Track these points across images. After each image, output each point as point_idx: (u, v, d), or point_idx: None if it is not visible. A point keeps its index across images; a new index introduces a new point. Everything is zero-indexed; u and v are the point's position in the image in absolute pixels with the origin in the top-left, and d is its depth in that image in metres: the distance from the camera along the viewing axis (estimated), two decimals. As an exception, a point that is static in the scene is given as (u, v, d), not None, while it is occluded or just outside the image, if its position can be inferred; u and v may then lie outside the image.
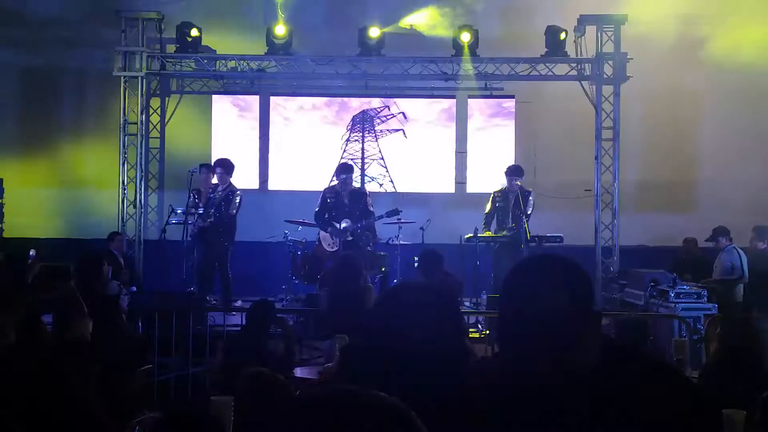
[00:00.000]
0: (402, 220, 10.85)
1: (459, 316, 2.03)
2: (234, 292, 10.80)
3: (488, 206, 10.92)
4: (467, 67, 12.38)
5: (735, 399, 3.86)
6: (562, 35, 12.14)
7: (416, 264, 8.55)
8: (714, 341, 5.62)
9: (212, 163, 11.00)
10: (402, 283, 1.92)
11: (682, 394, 1.94)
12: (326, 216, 10.38)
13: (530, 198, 10.82)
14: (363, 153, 13.14)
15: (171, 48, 12.43)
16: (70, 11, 13.35)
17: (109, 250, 10.44)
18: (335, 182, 10.70)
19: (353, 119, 13.27)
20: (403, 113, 13.17)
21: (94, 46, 13.07)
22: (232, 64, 12.54)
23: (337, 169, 10.84)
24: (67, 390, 3.22)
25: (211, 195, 10.63)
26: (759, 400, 3.89)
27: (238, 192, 10.81)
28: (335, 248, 10.24)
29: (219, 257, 10.63)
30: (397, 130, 13.18)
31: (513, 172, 10.86)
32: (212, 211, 10.51)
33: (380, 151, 13.19)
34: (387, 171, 13.12)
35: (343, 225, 10.30)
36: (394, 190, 13.02)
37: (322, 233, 10.49)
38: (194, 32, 12.24)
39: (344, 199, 10.38)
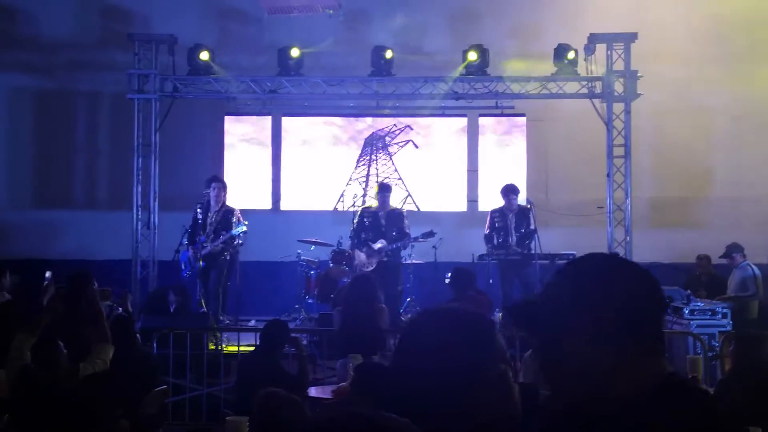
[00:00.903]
0: (419, 240, 10.86)
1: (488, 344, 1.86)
2: (246, 311, 10.81)
3: (487, 227, 10.91)
4: (478, 85, 12.44)
5: (750, 416, 3.86)
6: (571, 54, 12.16)
7: (448, 281, 8.60)
8: (729, 358, 5.62)
9: (211, 179, 10.84)
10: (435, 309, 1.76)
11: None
12: (362, 236, 10.40)
13: (531, 212, 10.79)
14: (368, 175, 13.15)
15: (183, 70, 12.53)
16: (83, 35, 13.50)
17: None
18: (374, 202, 10.70)
19: (365, 142, 13.31)
20: (409, 126, 13.20)
21: (107, 69, 13.20)
22: (243, 85, 12.62)
23: (379, 188, 10.87)
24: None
25: (209, 215, 10.55)
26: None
27: (236, 210, 10.75)
28: (371, 268, 10.25)
29: (223, 269, 10.56)
30: (407, 142, 13.21)
31: (509, 190, 10.86)
32: (219, 233, 10.45)
33: (397, 171, 13.20)
34: (408, 192, 13.13)
35: (378, 246, 10.30)
36: (416, 209, 13.05)
37: (357, 252, 10.50)
38: (206, 54, 12.33)
39: (381, 219, 10.40)
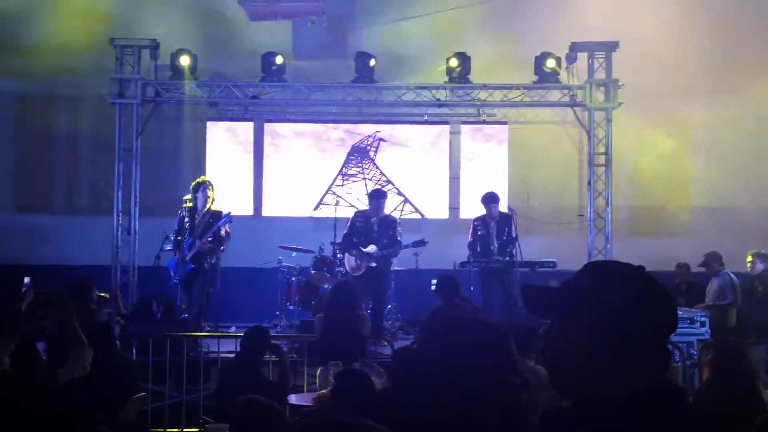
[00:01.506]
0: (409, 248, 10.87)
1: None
2: (227, 318, 10.76)
3: (470, 235, 10.92)
4: (460, 93, 12.49)
5: (729, 424, 3.88)
6: (552, 62, 12.23)
7: (434, 288, 8.65)
8: (707, 367, 5.65)
9: (200, 183, 10.67)
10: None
11: None
12: (354, 240, 10.40)
13: (513, 219, 10.80)
14: (337, 179, 13.17)
15: (166, 75, 12.49)
16: (65, 39, 13.41)
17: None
18: (366, 207, 10.70)
19: (347, 156, 13.32)
20: (377, 131, 13.28)
21: (88, 74, 13.12)
22: (226, 91, 12.60)
23: (369, 194, 10.87)
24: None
25: (196, 218, 10.42)
26: (754, 424, 3.91)
27: (222, 212, 10.61)
28: (359, 273, 10.23)
29: (208, 277, 10.44)
30: (377, 141, 13.25)
31: (489, 199, 10.84)
32: (206, 234, 10.34)
33: (386, 178, 13.21)
34: (405, 198, 13.16)
35: (367, 249, 10.30)
36: (421, 216, 13.08)
37: (347, 256, 10.49)
38: (189, 59, 12.30)
39: (374, 225, 10.41)
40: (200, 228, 10.26)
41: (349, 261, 10.42)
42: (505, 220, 10.79)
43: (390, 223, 10.50)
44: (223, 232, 10.27)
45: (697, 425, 1.73)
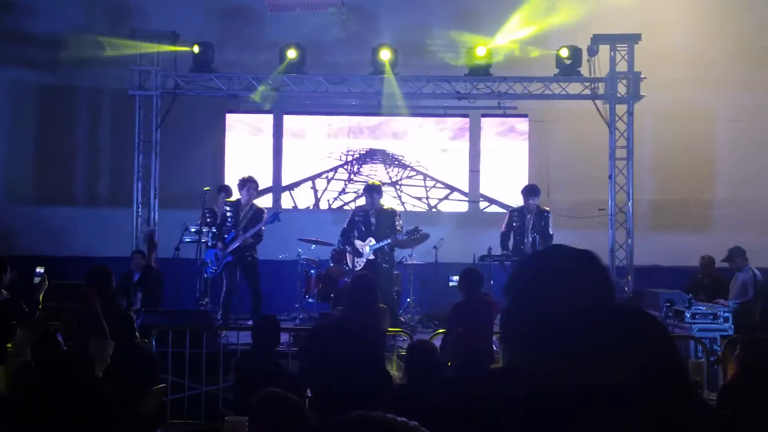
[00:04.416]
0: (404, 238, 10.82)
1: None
2: (245, 309, 10.78)
3: (504, 225, 10.85)
4: (480, 86, 12.42)
5: (756, 422, 3.82)
6: (574, 55, 12.11)
7: (456, 282, 8.57)
8: (731, 362, 5.58)
9: (246, 179, 10.81)
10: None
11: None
12: (353, 235, 10.39)
13: (549, 217, 10.75)
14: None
15: (185, 67, 12.48)
16: (85, 30, 13.44)
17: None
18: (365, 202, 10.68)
19: (364, 156, 13.28)
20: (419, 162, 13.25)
21: (109, 65, 13.15)
22: (245, 83, 12.58)
23: (364, 189, 10.84)
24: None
25: (240, 213, 10.57)
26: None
27: (265, 211, 10.79)
28: (359, 267, 10.22)
29: (254, 272, 10.59)
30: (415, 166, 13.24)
31: (529, 191, 10.77)
32: (250, 228, 10.47)
33: (417, 171, 13.19)
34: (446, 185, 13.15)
35: (358, 243, 10.31)
36: (427, 208, 13.03)
37: (347, 254, 10.50)
38: (208, 51, 12.30)
39: (371, 218, 10.38)
40: (243, 222, 10.43)
41: (349, 258, 10.47)
42: (542, 215, 10.69)
43: (389, 214, 10.46)
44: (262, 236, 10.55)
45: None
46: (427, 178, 13.18)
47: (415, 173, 13.22)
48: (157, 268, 7.86)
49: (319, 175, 13.26)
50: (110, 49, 12.89)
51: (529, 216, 10.68)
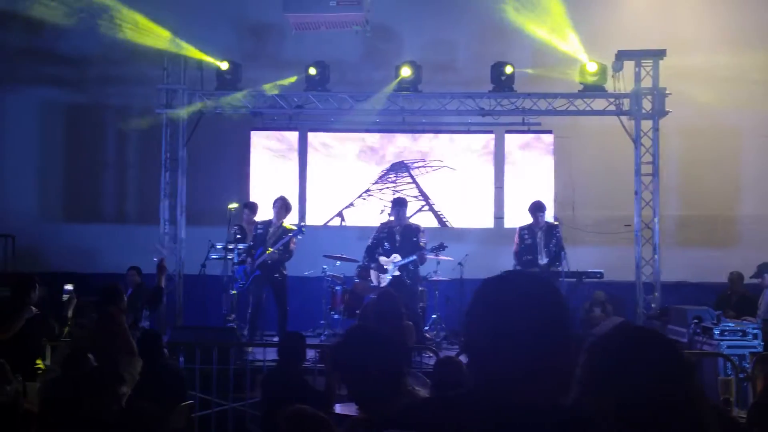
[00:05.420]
0: (441, 256, 10.84)
1: None
2: (271, 326, 10.82)
3: (516, 245, 10.84)
4: (504, 102, 12.42)
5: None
6: (598, 71, 12.08)
7: None
8: (761, 380, 5.52)
9: (278, 199, 10.95)
10: None
11: None
12: (379, 251, 10.42)
13: (558, 232, 10.73)
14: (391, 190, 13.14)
15: (211, 85, 12.61)
16: (113, 50, 13.62)
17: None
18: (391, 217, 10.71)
19: (391, 166, 13.28)
20: (439, 160, 13.15)
21: (136, 84, 13.32)
22: (270, 101, 12.67)
23: (391, 203, 10.88)
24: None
25: (269, 231, 10.68)
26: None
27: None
28: (382, 283, 10.24)
29: (283, 290, 10.66)
30: (441, 167, 13.17)
31: (536, 208, 10.79)
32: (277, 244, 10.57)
33: (422, 192, 13.14)
34: (434, 211, 13.08)
35: (383, 259, 10.33)
36: (441, 226, 13.00)
37: (371, 271, 10.53)
38: (236, 70, 12.44)
39: (396, 234, 10.41)
40: (272, 239, 10.58)
41: (373, 275, 10.49)
42: (552, 230, 10.70)
43: (413, 230, 10.48)
44: (292, 246, 10.58)
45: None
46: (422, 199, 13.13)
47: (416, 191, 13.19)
48: (161, 287, 7.87)
49: (347, 207, 13.26)
50: (137, 67, 13.06)
51: (539, 232, 10.68)
